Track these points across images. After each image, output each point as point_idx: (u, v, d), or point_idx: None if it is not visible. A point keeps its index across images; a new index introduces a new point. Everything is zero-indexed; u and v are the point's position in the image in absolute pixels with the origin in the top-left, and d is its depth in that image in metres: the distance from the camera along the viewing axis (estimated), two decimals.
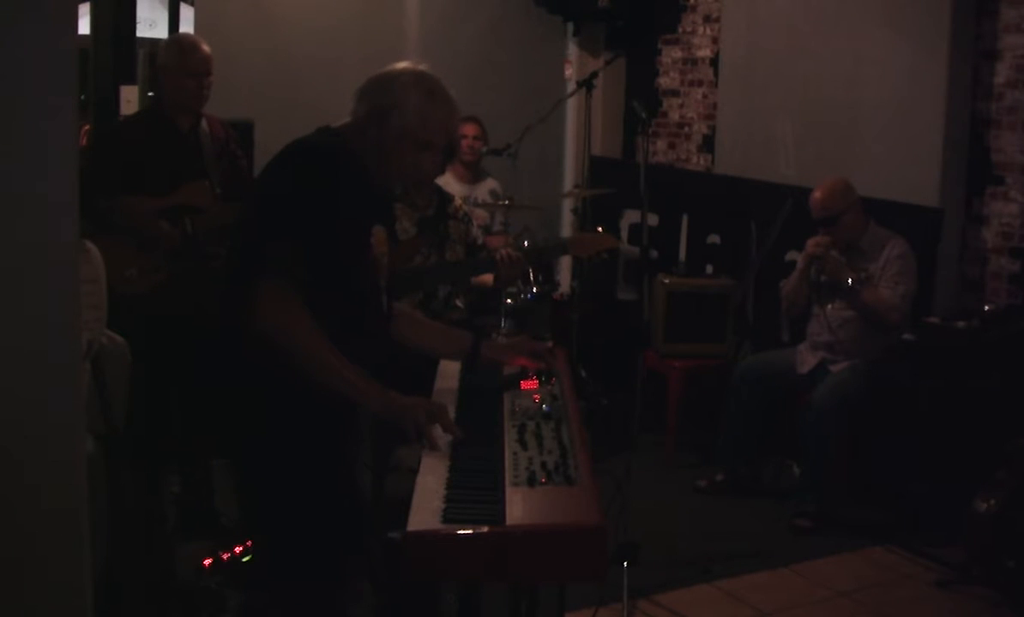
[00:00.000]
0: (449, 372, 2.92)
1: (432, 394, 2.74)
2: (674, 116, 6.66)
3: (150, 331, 3.69)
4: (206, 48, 4.00)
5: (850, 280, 4.45)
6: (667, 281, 5.28)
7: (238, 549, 3.35)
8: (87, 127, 4.69)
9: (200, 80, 3.98)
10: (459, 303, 4.41)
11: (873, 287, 4.45)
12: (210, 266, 3.81)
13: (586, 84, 5.34)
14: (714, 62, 6.28)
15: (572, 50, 6.96)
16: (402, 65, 2.44)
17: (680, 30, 6.57)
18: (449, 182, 5.36)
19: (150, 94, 4.66)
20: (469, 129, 5.67)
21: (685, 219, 6.10)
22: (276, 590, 2.37)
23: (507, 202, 5.60)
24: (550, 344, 2.90)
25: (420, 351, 2.79)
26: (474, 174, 5.80)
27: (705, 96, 6.41)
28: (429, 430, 2.27)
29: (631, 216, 6.33)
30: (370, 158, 2.39)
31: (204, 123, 4.08)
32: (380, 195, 2.56)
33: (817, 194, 4.55)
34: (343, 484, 2.41)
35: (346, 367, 2.26)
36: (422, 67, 2.43)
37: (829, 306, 4.59)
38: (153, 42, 5.00)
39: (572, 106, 6.68)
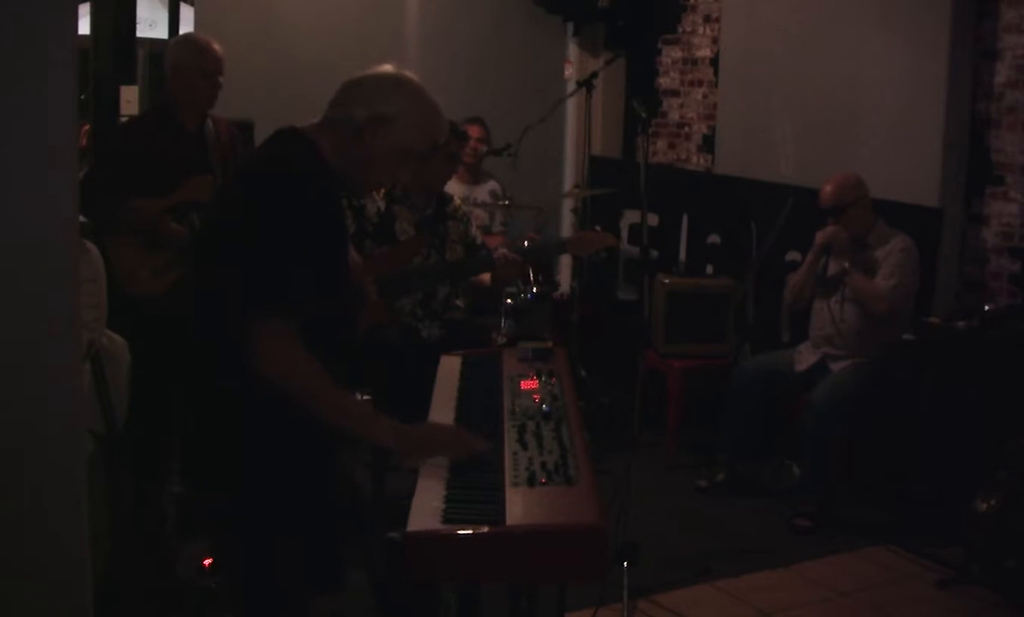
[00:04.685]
0: (450, 372, 2.92)
1: (432, 394, 2.74)
2: (674, 116, 6.66)
3: (164, 330, 3.68)
4: (218, 48, 4.00)
5: (847, 264, 4.48)
6: (667, 281, 5.29)
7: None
8: (87, 127, 4.69)
9: (213, 80, 3.98)
10: (459, 303, 4.41)
11: (867, 275, 4.47)
12: None
13: (586, 84, 5.34)
14: (714, 62, 6.28)
15: (572, 50, 6.97)
16: (390, 70, 2.36)
17: (680, 30, 6.57)
18: (449, 182, 5.35)
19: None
20: (473, 131, 5.67)
21: (685, 219, 6.10)
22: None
23: (507, 202, 5.60)
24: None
25: None
26: (474, 175, 5.80)
27: (705, 96, 6.41)
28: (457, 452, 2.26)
29: (631, 216, 6.33)
30: (350, 163, 2.31)
31: (210, 123, 4.08)
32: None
33: (828, 186, 4.57)
34: (328, 489, 2.39)
35: (354, 405, 2.24)
36: (409, 73, 2.37)
37: (833, 299, 4.59)
38: (153, 42, 5.01)
39: (572, 106, 6.68)
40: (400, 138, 2.31)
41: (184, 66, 3.97)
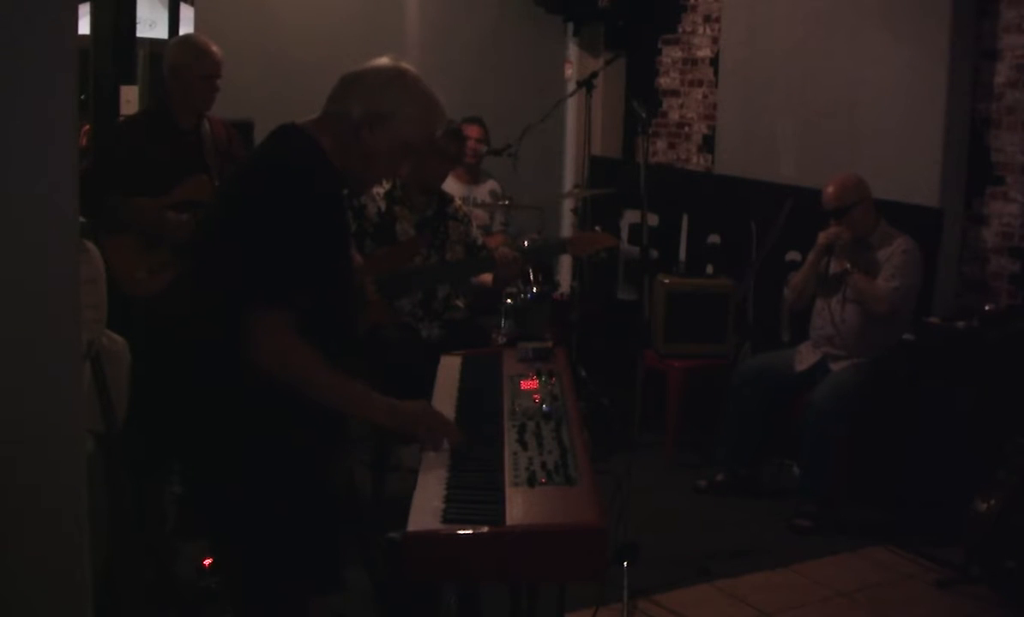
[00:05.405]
0: (450, 372, 2.92)
1: (432, 394, 2.74)
2: (674, 116, 6.65)
3: (163, 330, 3.67)
4: (217, 50, 4.01)
5: (849, 265, 4.48)
6: (667, 281, 5.28)
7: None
8: (87, 127, 4.69)
9: (211, 82, 3.99)
10: (459, 303, 4.41)
11: (869, 276, 4.47)
12: None
13: (586, 84, 5.34)
14: (714, 62, 6.28)
15: (572, 50, 6.97)
16: (387, 63, 2.35)
17: (680, 30, 6.57)
18: (448, 182, 5.36)
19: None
20: (472, 131, 5.67)
21: (685, 219, 6.10)
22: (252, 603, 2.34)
23: (507, 202, 5.60)
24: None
25: None
26: (474, 175, 5.80)
27: (705, 96, 6.41)
28: (433, 439, 2.30)
29: (631, 216, 6.32)
30: (350, 159, 2.31)
31: (206, 123, 4.09)
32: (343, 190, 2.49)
33: (830, 187, 4.56)
34: (328, 489, 2.38)
35: (350, 385, 2.23)
36: (406, 65, 2.36)
37: (834, 299, 4.60)
38: (153, 42, 5.00)
39: (572, 106, 6.68)
40: (399, 133, 2.30)
41: (182, 68, 3.97)
